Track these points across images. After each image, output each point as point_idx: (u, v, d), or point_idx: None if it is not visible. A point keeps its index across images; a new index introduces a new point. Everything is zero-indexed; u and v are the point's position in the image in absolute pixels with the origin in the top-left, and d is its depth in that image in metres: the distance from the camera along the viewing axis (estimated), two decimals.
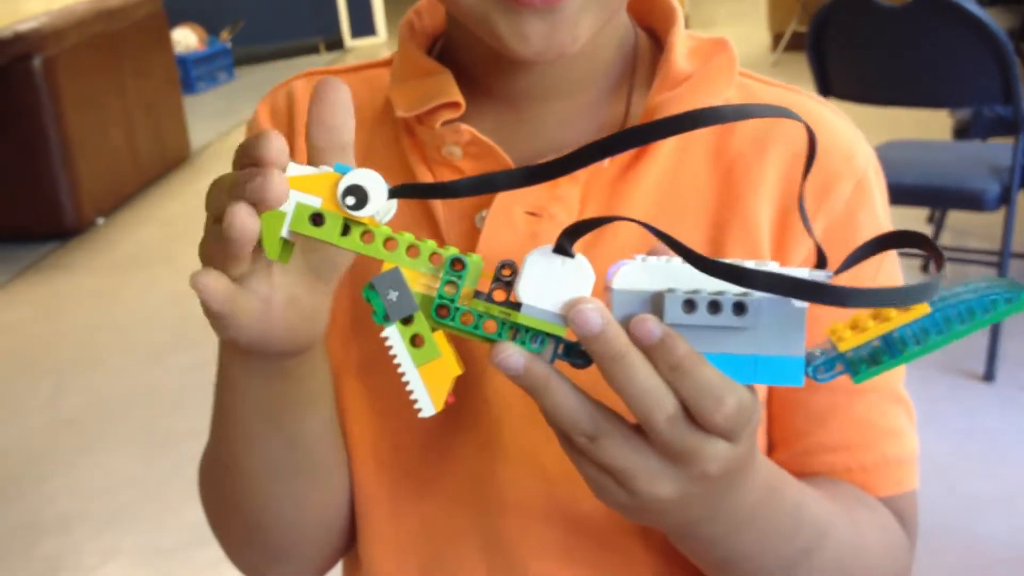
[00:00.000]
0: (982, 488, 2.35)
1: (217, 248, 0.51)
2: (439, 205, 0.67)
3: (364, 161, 0.70)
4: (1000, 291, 0.48)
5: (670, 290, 0.48)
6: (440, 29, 0.73)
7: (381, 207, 0.49)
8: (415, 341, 0.50)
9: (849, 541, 0.65)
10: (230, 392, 0.64)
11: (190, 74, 6.52)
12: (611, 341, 0.48)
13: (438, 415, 0.51)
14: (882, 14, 2.67)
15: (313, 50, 7.68)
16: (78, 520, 2.54)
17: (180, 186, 4.96)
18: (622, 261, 0.50)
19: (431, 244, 0.50)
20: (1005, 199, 2.68)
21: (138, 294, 3.78)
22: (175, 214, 4.62)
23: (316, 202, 0.49)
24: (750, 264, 0.47)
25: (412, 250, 0.50)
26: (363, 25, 7.98)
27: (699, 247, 0.48)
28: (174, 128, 5.17)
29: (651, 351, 0.48)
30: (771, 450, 0.69)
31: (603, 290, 0.50)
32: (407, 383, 0.50)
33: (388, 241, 0.50)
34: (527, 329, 0.49)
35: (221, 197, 0.50)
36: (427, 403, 0.50)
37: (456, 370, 0.50)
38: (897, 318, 0.48)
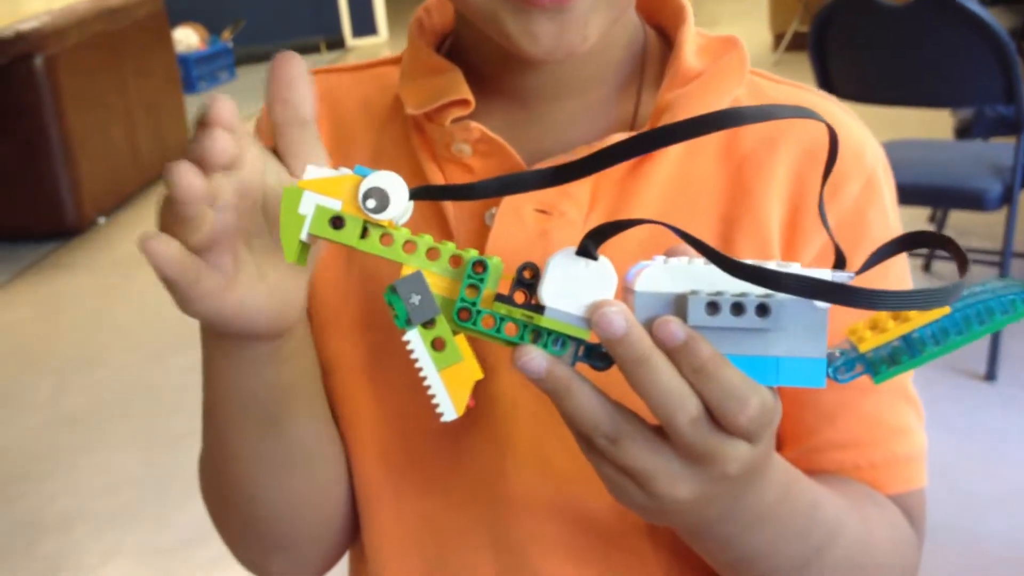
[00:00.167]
0: (983, 487, 2.35)
1: (168, 213, 0.51)
2: (449, 203, 0.67)
3: (374, 158, 0.71)
4: (1018, 291, 0.48)
5: (693, 292, 0.48)
6: (449, 27, 0.73)
7: (401, 209, 0.49)
8: (436, 345, 0.50)
9: (859, 539, 0.65)
10: (213, 381, 0.64)
11: (191, 73, 6.51)
12: (635, 344, 0.47)
13: None
14: (884, 14, 2.67)
15: (314, 49, 7.67)
16: (79, 519, 2.54)
17: None
18: (642, 263, 0.49)
19: (451, 246, 0.50)
20: (1007, 199, 2.69)
21: (139, 293, 3.77)
22: None
23: (336, 205, 0.49)
24: (772, 265, 0.47)
25: (432, 252, 0.50)
26: (364, 24, 7.98)
27: (709, 243, 0.48)
28: (175, 127, 5.17)
29: (674, 353, 0.48)
30: (780, 447, 0.69)
31: (622, 291, 0.50)
32: (428, 387, 0.50)
33: (407, 244, 0.50)
34: (549, 332, 0.49)
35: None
36: (449, 407, 0.50)
37: (478, 374, 0.50)
38: (917, 318, 0.48)
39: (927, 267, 3.34)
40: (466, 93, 0.66)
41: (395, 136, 0.70)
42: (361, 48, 7.84)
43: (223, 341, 0.60)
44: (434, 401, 0.50)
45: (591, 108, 0.68)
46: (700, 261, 0.48)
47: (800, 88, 0.70)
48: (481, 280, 0.49)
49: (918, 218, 3.49)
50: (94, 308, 3.75)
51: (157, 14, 5.09)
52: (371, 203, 0.48)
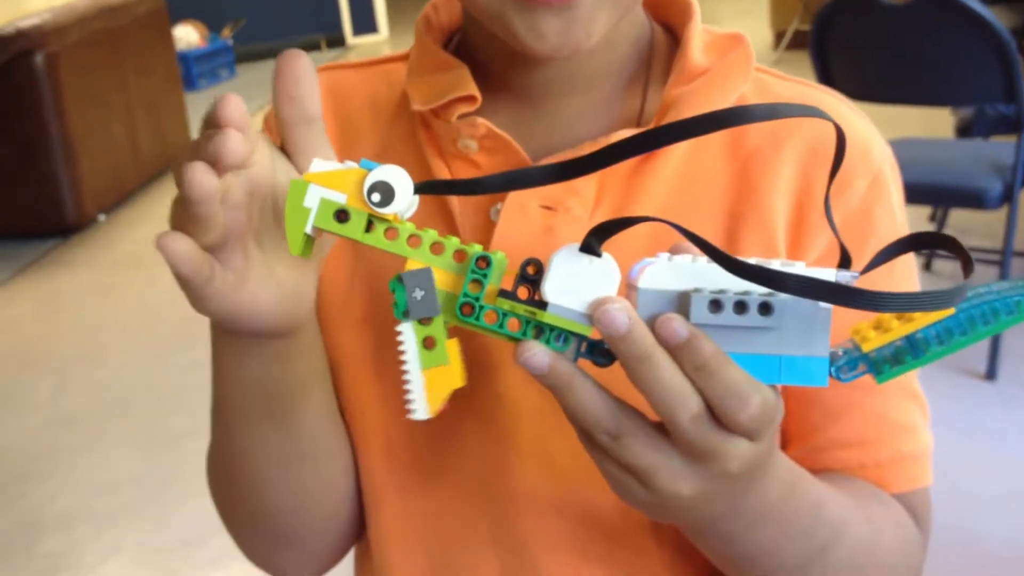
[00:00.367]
0: (983, 487, 2.35)
1: (182, 212, 0.50)
2: (455, 198, 0.67)
3: (381, 154, 0.71)
4: (1023, 293, 0.48)
5: (696, 290, 0.48)
6: (456, 24, 0.73)
7: (406, 204, 0.49)
8: (427, 343, 0.50)
9: (864, 537, 0.64)
10: (223, 377, 0.64)
11: (192, 71, 6.52)
12: (637, 341, 0.47)
13: (450, 409, 0.51)
14: (885, 12, 2.67)
15: (315, 47, 7.67)
16: (79, 518, 2.54)
17: None
18: (646, 260, 0.49)
19: (455, 241, 0.50)
20: (1007, 197, 2.69)
21: (139, 291, 3.77)
22: None
23: (341, 198, 0.49)
24: (776, 264, 0.47)
25: (436, 247, 0.50)
26: (365, 22, 7.98)
27: (715, 241, 0.48)
28: (176, 125, 5.17)
29: (677, 351, 0.48)
30: (785, 445, 0.69)
31: (626, 288, 0.50)
32: (407, 381, 0.50)
33: (411, 238, 0.50)
34: (551, 328, 0.49)
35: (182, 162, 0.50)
36: (422, 407, 0.50)
37: (459, 382, 0.50)
38: (921, 319, 0.48)
39: (928, 266, 3.34)
40: (473, 89, 0.66)
41: (402, 132, 0.70)
42: (361, 46, 7.84)
43: (233, 338, 0.60)
44: (409, 396, 0.50)
45: (597, 105, 0.68)
46: (704, 259, 0.48)
47: (806, 85, 0.70)
48: (485, 275, 0.49)
49: (919, 217, 3.49)
50: (94, 306, 3.75)
51: (157, 11, 5.09)
52: (376, 197, 0.48)
